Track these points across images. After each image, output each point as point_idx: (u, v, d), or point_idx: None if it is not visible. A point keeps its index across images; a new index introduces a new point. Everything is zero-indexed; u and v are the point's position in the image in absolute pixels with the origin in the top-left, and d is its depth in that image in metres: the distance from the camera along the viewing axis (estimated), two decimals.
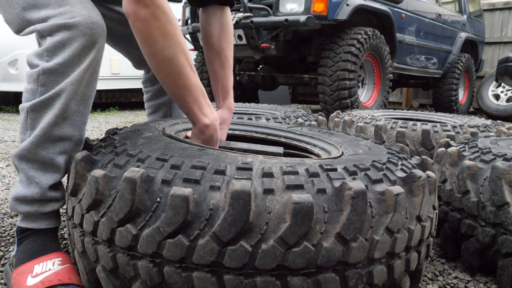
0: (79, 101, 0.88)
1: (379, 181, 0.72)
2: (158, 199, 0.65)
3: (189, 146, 0.79)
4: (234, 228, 0.60)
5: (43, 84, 0.84)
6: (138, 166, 0.70)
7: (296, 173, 0.68)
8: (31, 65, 0.87)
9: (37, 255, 0.85)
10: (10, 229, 1.24)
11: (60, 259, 0.85)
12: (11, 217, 1.34)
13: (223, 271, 0.62)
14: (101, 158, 0.78)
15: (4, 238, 1.17)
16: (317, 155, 1.07)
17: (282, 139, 1.21)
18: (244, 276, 0.62)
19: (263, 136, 1.24)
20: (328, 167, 0.72)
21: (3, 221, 1.31)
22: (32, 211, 0.88)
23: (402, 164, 0.83)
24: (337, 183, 0.67)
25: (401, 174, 0.78)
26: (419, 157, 0.94)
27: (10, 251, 1.09)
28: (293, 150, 1.17)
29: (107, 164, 0.75)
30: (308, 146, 1.14)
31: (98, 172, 0.70)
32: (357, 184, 0.65)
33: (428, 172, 0.80)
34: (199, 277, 0.62)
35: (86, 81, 0.88)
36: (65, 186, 0.90)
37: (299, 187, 0.65)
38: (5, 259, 1.05)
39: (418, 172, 0.76)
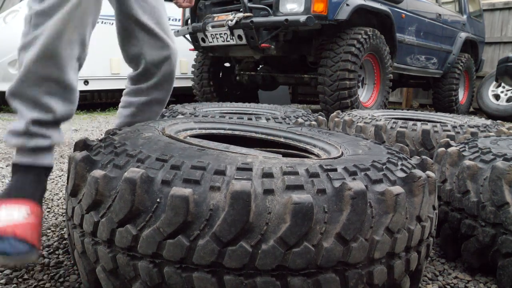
0: (65, 43, 0.91)
1: (379, 181, 0.72)
2: (158, 200, 0.65)
3: (189, 146, 0.79)
4: (234, 228, 0.60)
5: (34, 25, 0.90)
6: (138, 167, 0.70)
7: (296, 173, 0.68)
8: (29, 10, 0.92)
9: (9, 196, 0.86)
10: None
11: (28, 209, 0.83)
12: None
13: (223, 271, 0.62)
14: (101, 159, 0.78)
15: None
16: (317, 156, 1.07)
17: (282, 140, 1.20)
18: (244, 276, 0.62)
19: (263, 136, 1.24)
20: (328, 167, 0.72)
21: None
22: (18, 144, 0.92)
23: (402, 164, 0.83)
24: (337, 183, 0.67)
25: (401, 174, 0.78)
26: (419, 157, 0.94)
27: None
28: (292, 150, 1.17)
29: (107, 164, 0.75)
30: (308, 147, 1.13)
31: (98, 173, 0.70)
32: (357, 184, 0.65)
33: (428, 172, 0.80)
34: (199, 277, 0.62)
35: (72, 24, 0.91)
36: (65, 187, 0.91)
37: (299, 187, 0.65)
38: None
39: (418, 172, 0.76)
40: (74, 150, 0.88)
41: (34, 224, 0.83)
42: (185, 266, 0.63)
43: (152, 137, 0.85)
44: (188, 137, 1.09)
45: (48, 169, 0.97)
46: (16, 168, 0.93)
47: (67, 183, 0.83)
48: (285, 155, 1.04)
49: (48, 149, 0.96)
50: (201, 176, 0.66)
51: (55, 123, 0.97)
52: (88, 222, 0.71)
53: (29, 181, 0.91)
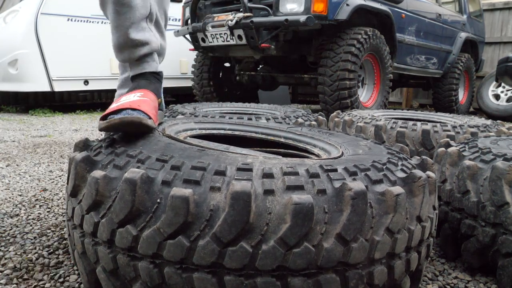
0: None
1: (379, 181, 0.72)
2: (158, 200, 0.65)
3: (189, 147, 0.79)
4: (235, 229, 0.60)
5: None
6: (138, 167, 0.70)
7: (296, 173, 0.68)
8: None
9: (128, 91, 1.01)
10: (10, 229, 1.24)
11: (141, 93, 0.96)
12: (11, 217, 1.34)
13: (223, 272, 0.62)
14: (101, 159, 0.77)
15: (4, 238, 1.17)
16: (317, 156, 1.06)
17: (282, 140, 1.20)
18: (245, 277, 0.62)
19: (263, 136, 1.24)
20: (328, 167, 0.72)
21: (3, 221, 1.31)
22: (127, 58, 1.09)
23: (402, 165, 0.83)
24: (337, 184, 0.67)
25: (401, 174, 0.78)
26: (419, 157, 0.94)
27: (10, 251, 1.09)
28: (293, 150, 1.17)
29: (107, 165, 0.75)
30: (308, 147, 1.13)
31: (98, 173, 0.70)
32: (357, 185, 0.65)
33: (428, 173, 0.80)
34: (200, 278, 0.62)
35: None
36: (65, 187, 0.91)
37: (299, 187, 0.65)
38: (5, 259, 1.05)
39: (418, 172, 0.76)
40: (74, 150, 0.88)
41: (146, 100, 0.93)
42: (186, 266, 0.63)
43: (152, 137, 0.85)
44: (188, 138, 1.09)
45: (155, 73, 1.12)
46: (133, 79, 1.10)
47: (67, 183, 0.83)
48: (285, 155, 1.04)
49: (150, 55, 1.10)
50: (201, 176, 0.66)
51: (145, 20, 1.08)
52: (88, 223, 0.71)
53: (142, 81, 1.07)
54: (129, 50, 1.07)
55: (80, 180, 0.75)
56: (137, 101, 0.90)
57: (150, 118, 0.87)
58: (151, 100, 0.96)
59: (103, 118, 0.84)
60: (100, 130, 0.83)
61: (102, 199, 0.69)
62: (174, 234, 0.62)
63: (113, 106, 0.87)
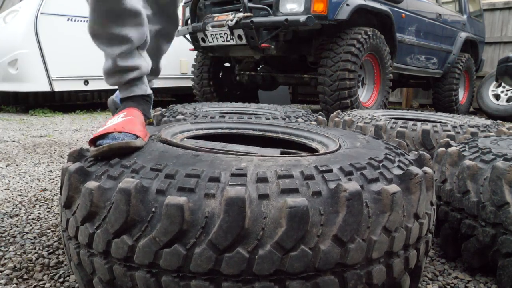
0: None
1: (375, 180, 0.72)
2: (153, 209, 0.64)
3: (183, 153, 0.78)
4: (230, 235, 0.60)
5: None
6: (132, 177, 0.69)
7: (290, 176, 0.68)
8: None
9: (115, 114, 1.01)
10: (10, 229, 1.24)
11: (124, 113, 0.97)
12: (11, 217, 1.34)
13: (221, 278, 0.62)
14: (95, 170, 0.77)
15: (4, 238, 1.17)
16: (315, 150, 1.06)
17: (280, 135, 1.20)
18: (243, 282, 0.61)
19: (261, 133, 1.23)
20: (324, 168, 0.71)
21: (3, 221, 1.31)
22: (115, 82, 1.09)
23: (399, 161, 0.83)
24: (332, 185, 0.67)
25: (397, 171, 0.77)
26: (416, 153, 0.93)
27: (10, 251, 1.09)
28: (291, 144, 1.16)
29: (101, 175, 0.74)
30: (306, 141, 1.13)
31: (92, 184, 0.69)
32: (352, 186, 0.65)
33: (425, 168, 0.79)
34: (197, 285, 0.62)
35: None
36: (59, 198, 0.91)
37: (294, 190, 0.65)
38: (5, 259, 1.05)
39: (414, 169, 0.75)
40: (68, 160, 0.87)
41: (130, 120, 0.94)
42: (183, 274, 0.62)
43: (146, 146, 0.85)
44: (185, 139, 1.09)
45: (145, 95, 1.13)
46: (121, 101, 1.11)
47: (61, 194, 0.82)
48: (283, 151, 1.04)
49: (140, 79, 1.11)
50: (195, 184, 0.65)
51: (137, 50, 1.09)
52: (83, 234, 0.70)
53: (130, 103, 1.08)
54: (118, 75, 1.09)
55: (73, 191, 0.74)
56: (121, 122, 0.91)
57: (137, 137, 0.87)
58: (135, 116, 0.97)
59: (92, 142, 0.85)
60: (91, 157, 0.83)
61: (96, 210, 0.68)
62: (170, 243, 0.62)
63: (99, 131, 0.88)
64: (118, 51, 1.05)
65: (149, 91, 1.14)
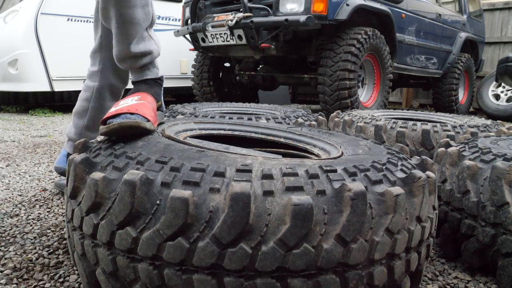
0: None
1: (379, 182, 0.72)
2: (158, 202, 0.64)
3: (188, 148, 0.79)
4: (234, 230, 0.60)
5: None
6: (137, 169, 0.70)
7: (295, 174, 0.68)
8: None
9: (128, 94, 1.04)
10: (10, 229, 1.24)
11: (138, 97, 1.00)
12: (11, 217, 1.34)
13: (223, 273, 0.62)
14: (100, 161, 0.77)
15: (4, 238, 1.17)
16: (317, 156, 1.06)
17: (282, 140, 1.20)
18: (245, 278, 0.62)
19: (263, 136, 1.24)
20: (328, 168, 0.71)
21: (3, 221, 1.31)
22: (128, 67, 1.14)
23: (402, 165, 0.83)
24: (336, 184, 0.67)
25: (401, 174, 0.78)
26: (419, 157, 0.94)
27: (10, 251, 1.09)
28: (293, 150, 1.17)
29: (107, 166, 0.74)
30: (308, 147, 1.13)
31: (97, 175, 0.69)
32: (356, 186, 0.65)
33: (428, 173, 0.80)
34: (199, 279, 0.62)
35: None
36: (65, 188, 0.92)
37: (298, 188, 0.65)
38: (5, 259, 1.05)
39: (418, 172, 0.76)
40: (73, 152, 0.88)
41: (143, 104, 0.96)
42: (185, 268, 0.63)
43: (152, 138, 0.85)
44: (188, 138, 1.09)
45: (157, 79, 1.15)
46: (134, 84, 1.13)
47: (67, 185, 0.83)
48: (284, 155, 1.04)
49: (152, 63, 1.14)
50: (200, 178, 0.66)
51: (146, 30, 1.12)
52: (88, 224, 0.71)
53: (143, 86, 1.11)
54: (130, 61, 1.11)
55: (79, 181, 0.75)
56: (135, 104, 0.92)
57: (148, 120, 0.89)
58: (148, 102, 0.99)
59: (103, 122, 0.86)
60: (101, 134, 0.85)
61: (101, 200, 0.69)
62: (174, 236, 0.62)
63: (111, 110, 0.89)
64: (130, 38, 1.07)
65: (160, 74, 1.17)
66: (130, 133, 0.82)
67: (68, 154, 1.48)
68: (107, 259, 0.68)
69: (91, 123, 1.47)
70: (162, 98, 1.16)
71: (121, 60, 1.12)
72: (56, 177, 1.89)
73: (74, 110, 1.49)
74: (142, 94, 1.02)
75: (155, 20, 1.15)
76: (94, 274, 0.73)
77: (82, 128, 1.47)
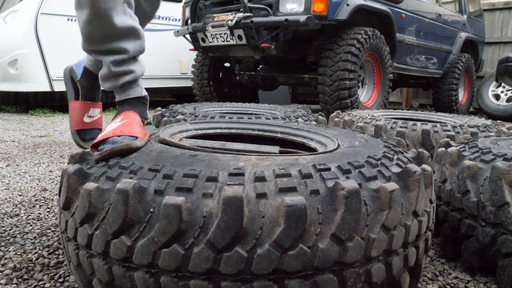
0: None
1: (374, 178, 0.72)
2: (151, 210, 0.64)
3: (181, 154, 0.78)
4: (228, 234, 0.60)
5: None
6: (130, 178, 0.70)
7: (288, 175, 0.68)
8: None
9: (113, 119, 1.02)
10: (10, 229, 1.24)
11: (122, 117, 0.99)
12: (11, 217, 1.34)
13: (219, 278, 0.62)
14: (94, 171, 0.77)
15: (4, 238, 1.17)
16: (314, 149, 1.06)
17: (279, 135, 1.20)
18: (241, 282, 0.61)
19: (260, 133, 1.23)
20: (322, 166, 0.71)
21: (3, 221, 1.31)
22: (110, 87, 1.11)
23: (398, 159, 0.83)
24: (330, 183, 0.67)
25: (396, 169, 0.77)
26: (415, 150, 0.93)
27: (10, 251, 1.09)
28: (290, 144, 1.16)
29: (100, 177, 0.74)
30: (304, 140, 1.13)
31: (90, 185, 0.69)
32: (350, 184, 0.65)
33: (424, 166, 0.79)
34: (196, 285, 0.62)
35: None
36: (58, 199, 0.91)
37: (292, 189, 0.65)
38: (5, 259, 1.05)
39: (413, 167, 0.75)
40: (69, 162, 0.87)
41: (127, 123, 0.95)
42: (182, 274, 0.62)
43: (145, 148, 0.86)
44: (183, 139, 1.09)
45: (141, 97, 1.13)
46: (118, 104, 1.12)
47: (59, 196, 0.83)
48: (281, 151, 1.04)
49: (134, 82, 1.11)
50: (193, 184, 0.66)
51: (132, 58, 1.09)
52: (82, 235, 0.71)
53: (126, 106, 1.09)
54: (112, 79, 1.10)
55: (72, 193, 0.75)
56: (119, 127, 0.93)
57: (136, 138, 0.89)
58: (131, 119, 0.99)
59: (94, 147, 0.88)
60: (96, 161, 0.85)
61: (95, 211, 0.69)
62: (169, 243, 0.62)
63: (99, 137, 0.91)
64: (112, 59, 1.06)
65: (144, 93, 1.15)
66: (123, 155, 0.84)
67: (85, 68, 1.40)
68: (103, 269, 0.68)
69: None
70: (148, 116, 1.15)
71: (103, 79, 1.11)
72: (56, 177, 1.89)
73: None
74: (125, 114, 1.02)
75: (144, 51, 1.14)
76: (91, 284, 0.73)
77: None
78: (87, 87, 1.38)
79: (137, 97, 1.12)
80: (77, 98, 1.38)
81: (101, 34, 1.03)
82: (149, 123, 1.13)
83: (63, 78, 1.43)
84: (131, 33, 1.06)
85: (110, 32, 1.02)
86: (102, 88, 1.15)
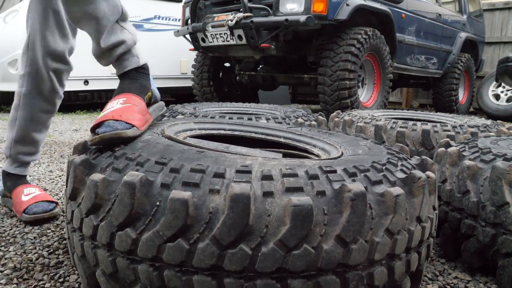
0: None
1: (379, 182, 0.72)
2: (158, 203, 0.64)
3: (188, 149, 0.78)
4: (234, 231, 0.60)
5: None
6: (137, 170, 0.70)
7: (295, 175, 0.68)
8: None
9: (113, 96, 1.01)
10: (10, 229, 1.24)
11: (124, 99, 0.97)
12: (11, 217, 1.34)
13: (223, 274, 0.62)
14: (100, 162, 0.77)
15: (4, 238, 1.17)
16: (317, 156, 1.06)
17: (282, 140, 1.20)
18: (245, 279, 0.61)
19: (263, 136, 1.24)
20: (328, 168, 0.71)
21: (3, 221, 1.31)
22: (106, 62, 1.08)
23: (402, 165, 0.83)
24: (336, 185, 0.67)
25: (401, 175, 0.78)
26: (419, 157, 0.94)
27: (10, 251, 1.09)
28: (293, 150, 1.17)
29: (106, 168, 0.74)
30: (308, 147, 1.13)
31: (97, 176, 0.69)
32: (356, 186, 0.65)
33: (428, 173, 0.79)
34: (200, 280, 0.62)
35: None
36: (64, 190, 0.92)
37: (298, 189, 0.65)
38: (5, 259, 1.05)
39: (417, 173, 0.76)
40: (73, 153, 0.88)
41: (128, 107, 0.93)
42: (185, 269, 0.63)
43: (151, 139, 0.85)
44: (187, 138, 1.09)
45: (139, 67, 1.09)
46: (119, 78, 1.08)
47: (66, 186, 0.83)
48: (284, 155, 1.04)
49: (128, 52, 1.08)
50: (200, 179, 0.66)
51: (116, 23, 1.06)
52: (88, 226, 0.71)
53: (126, 81, 1.06)
54: (106, 55, 1.06)
55: (79, 183, 0.75)
56: (119, 109, 0.91)
57: (132, 126, 0.87)
58: (134, 104, 0.97)
59: (92, 130, 0.87)
60: (89, 145, 0.85)
61: (101, 202, 0.69)
62: (174, 237, 0.62)
63: (99, 116, 0.89)
64: (97, 33, 1.03)
65: (143, 62, 1.11)
66: (113, 143, 0.83)
67: (4, 172, 1.42)
68: (107, 261, 0.68)
69: (20, 134, 1.37)
70: (152, 85, 1.12)
71: (98, 57, 1.09)
72: (56, 177, 1.89)
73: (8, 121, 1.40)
74: (128, 96, 0.99)
75: (126, 12, 1.10)
76: (94, 275, 0.73)
77: (12, 141, 1.38)
78: (12, 183, 1.40)
79: (135, 67, 1.08)
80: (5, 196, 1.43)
81: (95, 53, 1.05)
82: (151, 96, 1.09)
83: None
84: (122, 43, 1.05)
85: (101, 51, 1.03)
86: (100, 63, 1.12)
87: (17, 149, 1.39)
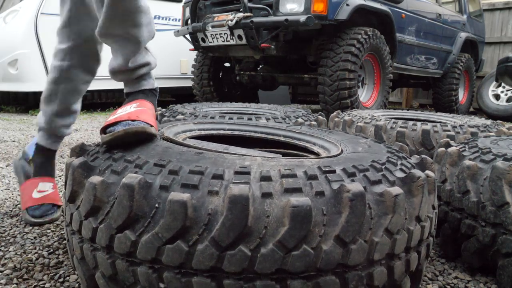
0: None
1: (378, 182, 0.72)
2: (156, 205, 0.64)
3: (187, 150, 0.78)
4: (233, 232, 0.60)
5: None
6: (136, 172, 0.70)
7: (294, 176, 0.68)
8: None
9: (124, 103, 1.02)
10: (10, 229, 1.24)
11: (137, 103, 0.98)
12: (11, 217, 1.34)
13: (222, 276, 0.62)
14: (99, 164, 0.77)
15: (4, 238, 1.17)
16: (317, 154, 1.06)
17: (282, 138, 1.20)
18: (244, 280, 0.61)
19: (262, 136, 1.24)
20: (327, 169, 0.71)
21: (3, 221, 1.31)
22: (125, 79, 1.09)
23: (402, 164, 0.83)
24: (335, 185, 0.67)
25: (400, 174, 0.77)
26: (418, 156, 0.93)
27: (10, 251, 1.09)
28: (292, 149, 1.17)
29: (105, 170, 0.74)
30: (307, 145, 1.13)
31: (95, 179, 0.69)
32: (355, 186, 0.65)
33: (427, 172, 0.79)
34: (199, 282, 0.62)
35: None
36: (62, 193, 0.91)
37: (297, 190, 0.65)
38: (5, 259, 1.05)
39: (417, 172, 0.76)
40: (71, 155, 0.87)
41: (143, 110, 0.94)
42: (185, 271, 0.62)
43: (150, 142, 0.85)
44: (187, 139, 1.09)
45: (153, 89, 1.13)
46: (128, 95, 1.10)
47: (65, 188, 0.83)
48: (284, 154, 1.04)
49: (148, 74, 1.12)
50: (199, 180, 0.66)
51: (145, 48, 1.10)
52: (87, 228, 0.71)
53: (140, 94, 1.08)
54: (128, 73, 1.07)
55: (77, 186, 0.75)
56: (135, 111, 0.90)
57: (151, 126, 0.87)
58: (148, 108, 0.97)
59: (103, 131, 0.85)
60: (104, 143, 0.82)
61: (100, 204, 0.69)
62: (173, 239, 0.62)
63: (110, 119, 0.87)
64: (132, 54, 1.04)
65: (156, 85, 1.14)
66: (135, 140, 0.81)
67: (37, 145, 1.41)
68: (106, 263, 0.68)
69: (63, 107, 1.35)
70: (156, 109, 1.14)
71: (117, 73, 1.08)
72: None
73: (42, 96, 1.36)
74: (141, 101, 0.99)
75: (154, 35, 1.12)
76: (94, 277, 0.73)
77: (51, 115, 1.36)
78: (40, 162, 1.36)
79: (150, 88, 1.10)
80: (27, 179, 1.36)
81: (123, 11, 0.98)
82: (156, 117, 1.11)
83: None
84: (148, 14, 1.04)
85: (133, 8, 0.99)
86: (114, 80, 1.11)
87: (59, 122, 1.37)
